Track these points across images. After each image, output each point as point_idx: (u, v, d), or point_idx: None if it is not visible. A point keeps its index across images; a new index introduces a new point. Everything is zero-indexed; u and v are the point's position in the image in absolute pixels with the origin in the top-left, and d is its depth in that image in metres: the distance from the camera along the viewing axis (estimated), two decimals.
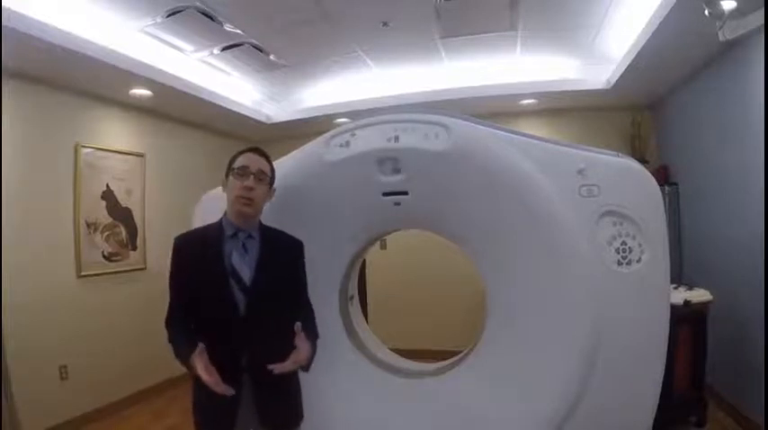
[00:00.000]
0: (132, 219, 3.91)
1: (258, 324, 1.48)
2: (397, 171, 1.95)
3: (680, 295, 2.75)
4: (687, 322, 2.73)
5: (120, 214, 3.82)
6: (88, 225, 3.53)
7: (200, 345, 1.38)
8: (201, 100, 3.84)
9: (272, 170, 1.65)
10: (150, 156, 4.07)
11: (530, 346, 1.90)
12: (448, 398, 2.03)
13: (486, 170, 1.86)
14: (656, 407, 1.86)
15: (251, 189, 1.53)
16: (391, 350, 2.64)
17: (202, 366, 1.36)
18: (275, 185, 1.68)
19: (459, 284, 4.30)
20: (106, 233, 3.68)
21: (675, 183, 3.76)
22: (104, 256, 3.65)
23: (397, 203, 2.02)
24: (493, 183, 1.86)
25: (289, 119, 4.54)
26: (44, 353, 3.13)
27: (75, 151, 3.45)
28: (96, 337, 3.49)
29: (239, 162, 1.57)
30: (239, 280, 1.49)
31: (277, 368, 1.41)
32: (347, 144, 1.98)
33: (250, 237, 1.55)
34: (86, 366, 3.39)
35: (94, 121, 3.63)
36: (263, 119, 4.55)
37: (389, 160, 1.94)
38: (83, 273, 3.46)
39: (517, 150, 1.87)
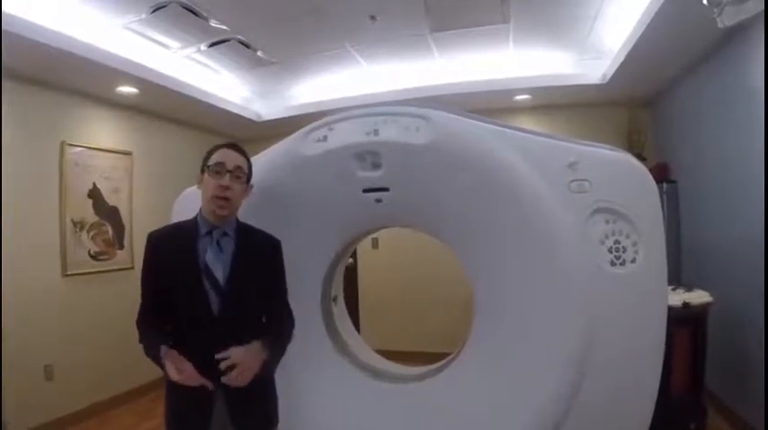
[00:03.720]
0: (119, 217, 3.86)
1: (232, 325, 1.43)
2: (377, 166, 1.87)
3: (678, 297, 2.66)
4: (686, 325, 2.64)
5: (107, 213, 3.76)
6: (74, 224, 3.49)
7: (163, 348, 1.33)
8: (189, 97, 3.78)
9: (250, 166, 1.60)
10: (138, 154, 4.02)
11: (517, 351, 1.81)
12: (432, 403, 1.96)
13: (469, 164, 1.78)
14: (651, 414, 1.78)
15: (227, 188, 1.47)
16: (383, 352, 2.57)
17: (172, 366, 1.32)
18: (252, 182, 1.62)
19: (453, 284, 4.19)
20: (93, 232, 3.63)
21: (674, 181, 3.66)
22: (91, 255, 3.60)
23: (379, 200, 1.93)
24: (477, 177, 1.78)
25: (279, 116, 4.47)
26: (29, 353, 3.10)
27: (61, 150, 3.40)
28: (82, 337, 3.46)
29: (215, 159, 1.50)
30: (213, 279, 1.43)
31: (228, 379, 1.35)
32: (325, 138, 1.90)
33: (225, 235, 1.50)
34: (72, 366, 3.35)
35: (81, 120, 3.58)
36: (252, 116, 4.49)
37: (369, 154, 1.87)
38: (68, 272, 3.41)
39: (503, 143, 1.79)
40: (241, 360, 1.36)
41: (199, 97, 3.84)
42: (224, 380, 1.34)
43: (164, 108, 4.09)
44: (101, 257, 3.67)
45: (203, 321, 1.41)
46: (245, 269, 1.48)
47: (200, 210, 1.53)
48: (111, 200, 3.78)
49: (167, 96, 3.69)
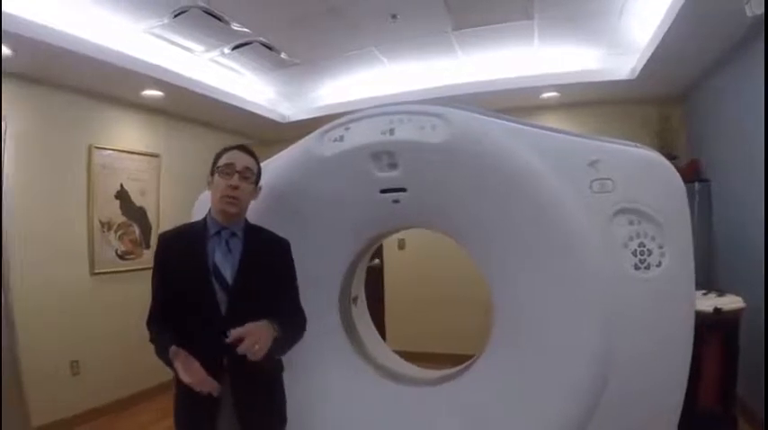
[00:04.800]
0: (146, 218, 3.95)
1: (240, 325, 1.39)
2: (393, 166, 1.84)
3: (710, 302, 2.54)
4: (717, 331, 2.51)
5: (135, 213, 3.86)
6: (102, 224, 3.59)
7: (172, 348, 1.33)
8: (214, 100, 3.83)
9: (259, 168, 1.62)
10: (165, 156, 4.10)
11: (537, 356, 1.75)
12: (448, 407, 1.91)
13: (486, 163, 1.73)
14: (676, 425, 1.70)
15: (236, 188, 1.50)
16: (409, 353, 2.56)
17: (181, 368, 1.32)
18: (268, 182, 1.65)
19: (479, 286, 4.09)
20: (120, 232, 3.73)
21: (707, 180, 3.50)
22: (118, 255, 3.70)
23: (396, 201, 1.90)
24: (494, 176, 1.73)
25: (304, 117, 4.48)
26: (56, 349, 3.20)
27: (89, 152, 3.50)
28: (108, 334, 3.54)
29: (224, 160, 1.54)
30: (221, 279, 1.45)
31: (242, 349, 1.29)
32: (341, 138, 1.88)
33: (234, 235, 1.52)
34: (98, 362, 3.45)
35: (107, 123, 3.68)
36: (277, 118, 4.51)
37: (385, 154, 1.83)
38: (96, 271, 3.51)
39: (521, 141, 1.73)
40: (251, 331, 1.31)
41: (224, 99, 3.89)
42: (239, 350, 1.28)
43: (189, 110, 4.15)
44: (127, 257, 3.77)
45: (212, 321, 1.41)
46: (253, 269, 1.49)
47: (210, 211, 1.55)
48: (138, 201, 3.87)
49: (192, 99, 3.75)
